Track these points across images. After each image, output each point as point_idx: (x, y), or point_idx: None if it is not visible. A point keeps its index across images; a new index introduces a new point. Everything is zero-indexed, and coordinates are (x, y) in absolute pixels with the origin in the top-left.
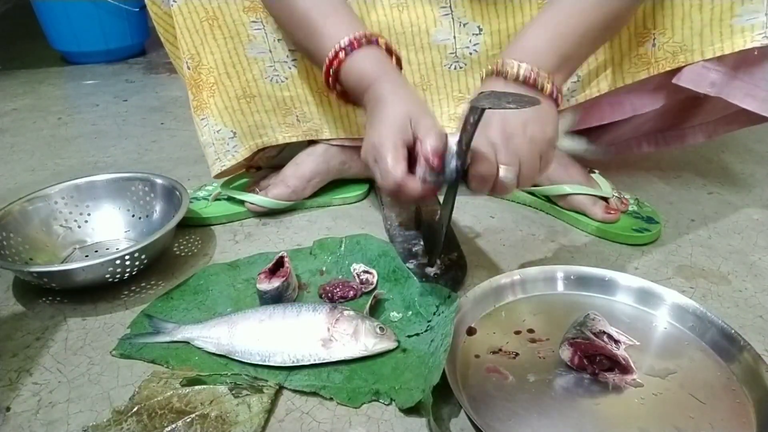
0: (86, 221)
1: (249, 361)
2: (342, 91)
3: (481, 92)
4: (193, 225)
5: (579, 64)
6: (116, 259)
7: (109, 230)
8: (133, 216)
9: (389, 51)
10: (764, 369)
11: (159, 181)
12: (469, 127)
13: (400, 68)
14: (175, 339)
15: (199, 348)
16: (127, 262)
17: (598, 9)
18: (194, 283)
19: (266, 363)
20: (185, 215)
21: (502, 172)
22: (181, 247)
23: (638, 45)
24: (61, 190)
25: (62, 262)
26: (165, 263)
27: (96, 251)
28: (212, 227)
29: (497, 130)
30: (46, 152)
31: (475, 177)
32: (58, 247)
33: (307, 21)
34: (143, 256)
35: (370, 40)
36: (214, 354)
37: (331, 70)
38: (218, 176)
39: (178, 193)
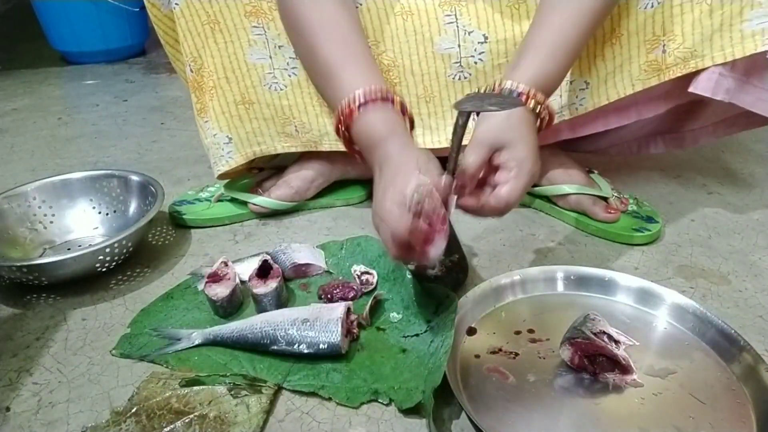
0: (51, 222)
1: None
2: (353, 146)
3: (467, 94)
4: (195, 226)
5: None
6: (105, 247)
7: (77, 228)
8: (100, 213)
9: (403, 110)
10: (764, 369)
11: (135, 177)
12: (458, 130)
13: (412, 127)
14: (196, 343)
15: (209, 347)
16: (116, 250)
17: (589, 20)
18: (194, 282)
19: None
20: (188, 217)
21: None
22: (181, 247)
23: (647, 52)
24: (21, 195)
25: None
26: (165, 263)
27: (68, 249)
28: (213, 227)
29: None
30: (46, 152)
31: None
32: (28, 249)
33: (327, 68)
34: (129, 244)
35: (385, 97)
36: (214, 353)
37: (341, 124)
38: (221, 177)
39: (152, 188)
